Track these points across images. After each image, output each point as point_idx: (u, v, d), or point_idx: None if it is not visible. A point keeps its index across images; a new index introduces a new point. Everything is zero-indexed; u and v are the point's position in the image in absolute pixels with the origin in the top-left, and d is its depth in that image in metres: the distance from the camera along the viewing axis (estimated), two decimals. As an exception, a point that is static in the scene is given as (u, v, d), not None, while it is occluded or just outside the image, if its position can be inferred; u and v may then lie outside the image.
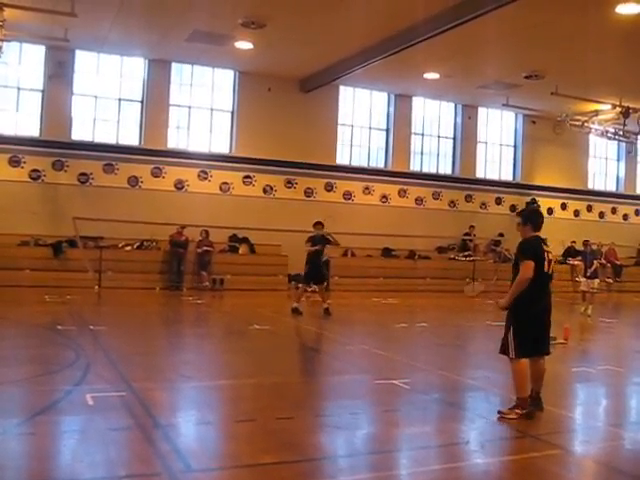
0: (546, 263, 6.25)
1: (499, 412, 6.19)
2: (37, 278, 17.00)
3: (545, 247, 6.37)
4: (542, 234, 6.60)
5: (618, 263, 25.55)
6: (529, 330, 6.19)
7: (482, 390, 7.35)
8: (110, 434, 5.24)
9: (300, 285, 15.20)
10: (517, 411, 6.09)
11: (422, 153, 23.86)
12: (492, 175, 25.05)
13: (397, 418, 6.24)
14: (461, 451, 5.35)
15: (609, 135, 22.90)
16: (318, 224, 14.53)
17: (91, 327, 10.89)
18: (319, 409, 6.53)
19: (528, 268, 6.09)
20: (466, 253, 23.18)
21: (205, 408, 6.34)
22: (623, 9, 13.75)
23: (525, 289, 6.12)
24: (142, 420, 5.62)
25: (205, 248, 19.14)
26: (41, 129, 18.94)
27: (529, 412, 6.08)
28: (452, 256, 23.18)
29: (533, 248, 6.29)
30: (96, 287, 17.14)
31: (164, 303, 16.67)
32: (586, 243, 17.19)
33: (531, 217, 6.64)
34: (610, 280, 25.20)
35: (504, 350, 6.27)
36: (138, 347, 9.61)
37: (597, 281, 16.63)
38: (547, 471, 4.86)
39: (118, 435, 5.26)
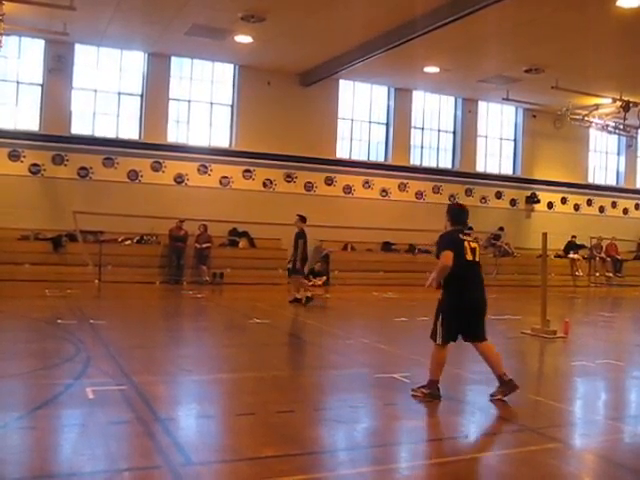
0: (468, 252, 6.46)
1: (411, 389, 6.54)
2: (37, 272, 17.03)
3: (466, 237, 6.57)
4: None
5: (619, 257, 25.57)
6: (456, 318, 6.45)
7: (482, 384, 7.34)
8: (110, 428, 5.25)
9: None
10: (423, 390, 6.42)
11: (422, 147, 23.86)
12: (492, 169, 25.05)
13: (397, 412, 6.24)
14: (461, 444, 5.35)
15: (609, 129, 22.89)
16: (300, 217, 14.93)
17: (91, 321, 10.90)
18: (319, 403, 6.54)
19: (447, 257, 6.37)
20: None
21: (205, 401, 6.35)
22: (624, 3, 13.75)
23: (450, 280, 6.41)
24: (142, 413, 5.62)
25: (205, 245, 19.13)
26: (41, 123, 18.94)
27: (433, 394, 6.36)
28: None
29: (451, 240, 6.54)
30: (96, 281, 17.16)
31: (164, 297, 16.69)
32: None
33: (451, 212, 6.92)
34: (610, 274, 25.25)
35: (432, 335, 6.56)
36: (138, 341, 9.61)
37: None
38: (546, 464, 4.86)
39: (118, 429, 5.27)
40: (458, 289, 6.43)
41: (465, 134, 24.25)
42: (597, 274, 25.14)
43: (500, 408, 6.45)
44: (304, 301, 14.51)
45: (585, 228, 25.29)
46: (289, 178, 21.61)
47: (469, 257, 6.46)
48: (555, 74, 19.12)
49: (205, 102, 20.87)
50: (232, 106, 21.09)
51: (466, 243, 6.51)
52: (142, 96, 20.05)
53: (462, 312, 6.44)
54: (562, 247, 24.45)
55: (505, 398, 6.34)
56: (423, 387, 6.44)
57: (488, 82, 21.03)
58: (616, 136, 25.11)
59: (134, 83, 20.03)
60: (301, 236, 14.73)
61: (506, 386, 6.38)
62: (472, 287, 6.51)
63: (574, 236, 24.88)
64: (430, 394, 6.36)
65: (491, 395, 6.44)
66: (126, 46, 19.31)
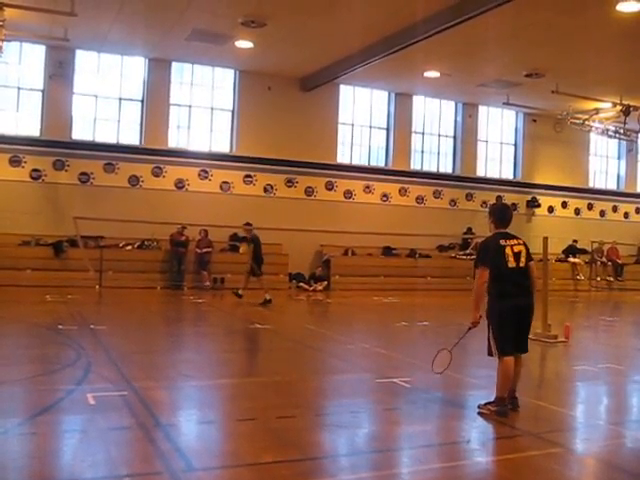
0: (511, 258, 6.10)
1: (478, 406, 6.20)
2: (38, 278, 17.03)
3: (509, 241, 6.18)
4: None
5: (619, 262, 25.56)
6: (504, 327, 6.10)
7: (483, 389, 7.33)
8: (111, 433, 5.24)
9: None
10: (490, 407, 6.09)
11: (422, 152, 23.88)
12: (493, 174, 25.06)
13: (398, 417, 6.24)
14: (462, 450, 5.34)
15: (610, 133, 22.88)
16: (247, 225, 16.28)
17: (92, 326, 10.90)
18: (320, 408, 6.53)
19: (480, 278, 6.06)
20: (467, 251, 23.19)
21: (206, 407, 6.34)
22: (624, 7, 13.76)
23: (492, 289, 6.11)
24: (143, 419, 5.62)
25: (205, 250, 19.12)
26: (41, 129, 18.97)
27: (500, 411, 6.04)
28: (453, 255, 23.20)
29: (489, 250, 6.17)
30: (97, 287, 17.16)
31: (165, 302, 16.68)
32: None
33: (494, 212, 6.50)
34: (611, 278, 25.24)
35: (489, 352, 6.25)
36: (139, 346, 9.61)
37: None
38: (548, 469, 4.85)
39: (119, 434, 5.26)
40: (501, 297, 6.11)
41: (465, 139, 24.26)
42: (598, 278, 25.11)
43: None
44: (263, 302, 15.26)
45: (586, 232, 25.28)
46: (290, 183, 21.63)
47: (511, 264, 6.06)
48: (555, 78, 19.14)
49: (206, 107, 20.90)
50: (233, 111, 21.12)
51: (508, 249, 6.11)
52: (143, 101, 20.08)
53: (507, 321, 6.08)
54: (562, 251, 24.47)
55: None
56: (490, 404, 6.12)
57: (488, 87, 21.05)
58: (616, 140, 25.11)
59: (135, 88, 20.06)
60: (250, 241, 16.16)
61: (512, 405, 6.19)
62: (515, 294, 6.10)
63: (575, 240, 24.88)
64: (497, 412, 6.04)
65: (480, 405, 6.26)
66: (127, 52, 19.35)
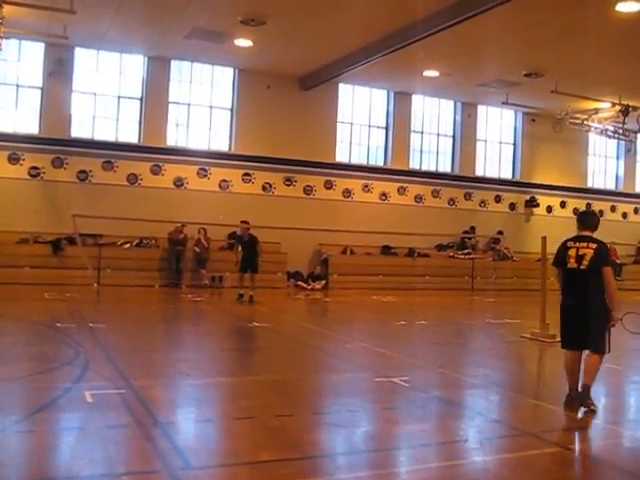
0: (572, 259, 6.41)
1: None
2: (36, 275, 17.01)
3: (577, 243, 6.48)
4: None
5: (618, 262, 25.56)
6: (562, 324, 6.54)
7: (481, 388, 7.35)
8: (109, 431, 5.24)
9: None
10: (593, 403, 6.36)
11: (421, 151, 23.87)
12: (491, 173, 25.05)
13: (396, 416, 6.24)
14: (460, 449, 5.34)
15: (608, 133, 22.89)
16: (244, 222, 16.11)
17: (90, 324, 10.90)
18: (318, 407, 6.53)
19: (548, 273, 6.58)
20: (465, 251, 23.21)
21: (204, 405, 6.34)
22: (623, 7, 13.76)
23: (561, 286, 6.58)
24: (141, 417, 5.62)
25: (200, 249, 19.08)
26: (40, 126, 18.94)
27: (566, 402, 6.36)
28: (451, 254, 23.21)
29: (559, 250, 6.61)
30: (95, 284, 17.15)
31: (163, 301, 16.68)
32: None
33: (579, 216, 6.92)
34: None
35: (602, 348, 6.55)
36: (137, 344, 9.61)
37: None
38: (546, 469, 4.86)
39: (117, 432, 5.26)
40: (562, 294, 6.56)
41: (464, 138, 24.26)
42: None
43: (500, 412, 6.46)
44: (237, 298, 15.63)
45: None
46: (288, 182, 21.62)
47: (571, 264, 6.40)
48: (554, 78, 19.14)
49: (205, 105, 20.88)
50: (232, 110, 21.10)
51: (572, 250, 6.43)
52: (142, 99, 20.05)
53: (562, 318, 6.51)
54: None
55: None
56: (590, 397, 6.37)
57: (487, 86, 21.05)
58: (615, 140, 25.11)
59: (134, 86, 20.03)
60: (239, 241, 16.51)
61: (581, 399, 6.32)
62: (570, 294, 6.47)
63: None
64: (565, 402, 6.39)
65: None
66: (126, 49, 19.33)
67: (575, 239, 6.52)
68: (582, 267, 6.34)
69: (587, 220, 6.70)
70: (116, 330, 10.82)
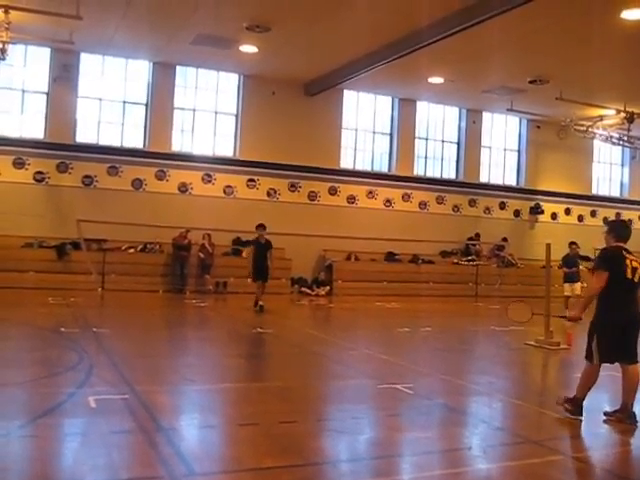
0: (629, 270, 6.32)
1: (557, 398, 6.60)
2: (41, 280, 17.02)
3: (628, 255, 6.39)
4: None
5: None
6: (610, 337, 6.29)
7: (485, 395, 7.33)
8: (112, 437, 5.24)
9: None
10: (567, 405, 6.39)
11: (426, 157, 23.86)
12: (496, 180, 25.03)
13: (400, 423, 6.23)
14: (463, 456, 5.33)
15: (613, 140, 22.87)
16: (260, 227, 15.35)
17: (94, 329, 10.91)
18: (322, 413, 6.52)
19: (600, 279, 6.27)
20: (470, 258, 23.18)
21: (208, 411, 6.34)
22: (628, 15, 13.75)
23: (604, 297, 6.30)
24: (145, 423, 5.61)
25: (204, 254, 19.08)
26: (46, 131, 18.99)
27: (574, 411, 6.32)
28: (456, 260, 23.17)
29: (610, 257, 6.42)
30: (99, 289, 17.17)
31: (167, 306, 16.69)
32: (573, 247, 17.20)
33: (615, 227, 6.79)
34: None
35: (587, 356, 6.43)
36: (141, 350, 9.61)
37: (579, 285, 16.54)
38: (549, 477, 4.84)
39: (120, 438, 5.26)
40: (611, 307, 6.30)
41: (469, 145, 24.25)
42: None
43: (503, 420, 6.44)
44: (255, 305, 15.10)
45: (589, 239, 25.19)
46: (293, 188, 21.63)
47: (629, 275, 6.30)
48: (559, 85, 19.13)
49: (210, 111, 20.92)
50: (237, 115, 21.14)
51: (628, 261, 6.34)
52: (147, 105, 20.11)
53: (613, 331, 6.29)
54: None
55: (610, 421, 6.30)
56: (568, 401, 6.42)
57: (492, 93, 21.05)
58: (620, 147, 25.09)
59: (139, 92, 20.09)
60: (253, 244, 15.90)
61: (625, 415, 6.27)
62: (624, 305, 6.34)
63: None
64: (571, 411, 6.33)
65: (605, 413, 6.44)
66: (131, 55, 19.39)
67: (626, 250, 6.43)
68: (635, 280, 6.33)
69: (624, 232, 6.62)
70: (120, 335, 10.83)
